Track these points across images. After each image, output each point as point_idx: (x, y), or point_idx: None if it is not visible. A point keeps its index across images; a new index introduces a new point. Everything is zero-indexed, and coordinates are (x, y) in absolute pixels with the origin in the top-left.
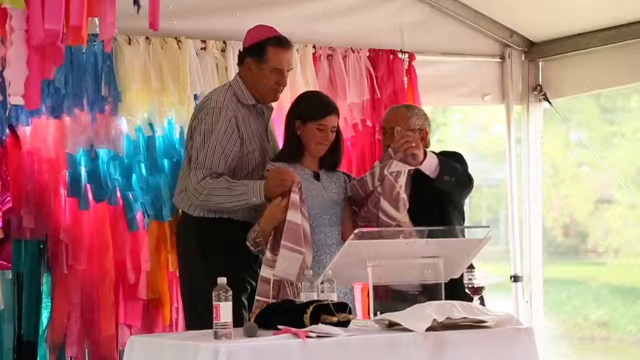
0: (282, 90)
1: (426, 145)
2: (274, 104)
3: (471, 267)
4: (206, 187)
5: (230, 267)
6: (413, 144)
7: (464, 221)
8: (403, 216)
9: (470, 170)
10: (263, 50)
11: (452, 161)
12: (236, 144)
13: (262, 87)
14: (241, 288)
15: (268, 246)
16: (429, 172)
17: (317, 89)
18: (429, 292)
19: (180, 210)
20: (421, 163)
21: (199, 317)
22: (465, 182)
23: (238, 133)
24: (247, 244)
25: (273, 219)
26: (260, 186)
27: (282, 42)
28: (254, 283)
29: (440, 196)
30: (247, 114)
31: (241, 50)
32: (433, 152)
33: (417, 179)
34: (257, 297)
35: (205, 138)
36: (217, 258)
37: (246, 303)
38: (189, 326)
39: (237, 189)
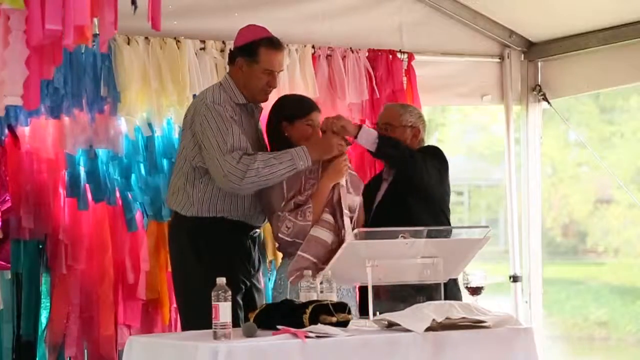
0: (271, 91)
1: (419, 143)
2: (263, 104)
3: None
4: (251, 162)
5: (225, 266)
6: (336, 117)
7: (447, 221)
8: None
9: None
10: (255, 50)
11: (403, 144)
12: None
13: (253, 87)
14: (236, 288)
15: (325, 208)
16: (368, 145)
17: (317, 89)
18: (428, 292)
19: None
20: (356, 137)
21: (196, 318)
22: (406, 160)
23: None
24: (281, 235)
25: (341, 173)
26: (303, 150)
27: (274, 44)
28: (248, 283)
29: (404, 194)
30: (240, 112)
31: (232, 49)
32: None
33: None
34: (305, 255)
35: (220, 127)
36: (212, 258)
37: (241, 303)
38: (186, 327)
39: (282, 157)
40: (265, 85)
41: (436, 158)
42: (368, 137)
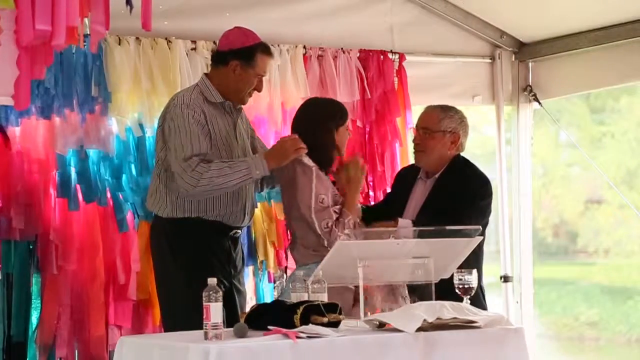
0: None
1: (458, 149)
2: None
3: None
4: (205, 171)
5: (203, 267)
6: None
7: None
8: None
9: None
10: (253, 55)
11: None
12: (207, 138)
13: (242, 90)
14: None
15: None
16: (410, 236)
17: (308, 90)
18: (419, 292)
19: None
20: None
21: (175, 318)
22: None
23: (207, 129)
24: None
25: (360, 182)
26: (260, 159)
27: (269, 50)
28: (226, 283)
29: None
30: (214, 112)
31: (220, 50)
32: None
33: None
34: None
35: (180, 130)
36: (189, 259)
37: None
38: (167, 328)
39: (238, 166)
40: (252, 89)
41: (478, 210)
42: (406, 229)
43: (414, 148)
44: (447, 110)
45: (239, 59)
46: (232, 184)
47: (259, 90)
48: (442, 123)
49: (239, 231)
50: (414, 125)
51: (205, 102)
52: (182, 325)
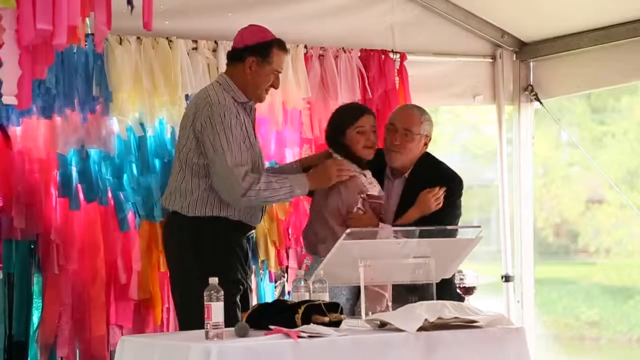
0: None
1: (425, 148)
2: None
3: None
4: (253, 184)
5: (226, 267)
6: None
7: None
8: None
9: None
10: (269, 51)
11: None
12: (246, 142)
13: (259, 86)
14: (236, 289)
15: None
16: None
17: (309, 89)
18: (420, 292)
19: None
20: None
21: (194, 318)
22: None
23: (245, 132)
24: None
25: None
26: (303, 179)
27: (284, 45)
28: (245, 283)
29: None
30: (242, 112)
31: (236, 48)
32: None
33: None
34: None
35: (226, 133)
36: (213, 258)
37: (240, 304)
38: (183, 327)
39: (283, 182)
40: (269, 86)
41: (455, 206)
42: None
43: (392, 147)
44: (424, 114)
45: (255, 55)
46: (276, 198)
47: (276, 87)
48: (423, 127)
49: (253, 231)
50: (391, 123)
51: (234, 102)
52: (200, 324)
